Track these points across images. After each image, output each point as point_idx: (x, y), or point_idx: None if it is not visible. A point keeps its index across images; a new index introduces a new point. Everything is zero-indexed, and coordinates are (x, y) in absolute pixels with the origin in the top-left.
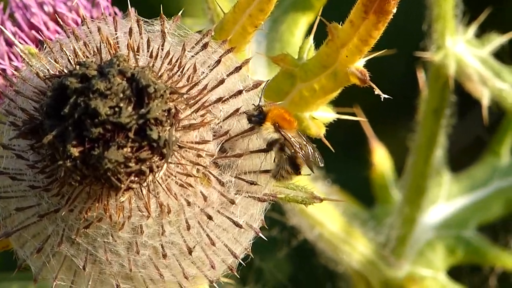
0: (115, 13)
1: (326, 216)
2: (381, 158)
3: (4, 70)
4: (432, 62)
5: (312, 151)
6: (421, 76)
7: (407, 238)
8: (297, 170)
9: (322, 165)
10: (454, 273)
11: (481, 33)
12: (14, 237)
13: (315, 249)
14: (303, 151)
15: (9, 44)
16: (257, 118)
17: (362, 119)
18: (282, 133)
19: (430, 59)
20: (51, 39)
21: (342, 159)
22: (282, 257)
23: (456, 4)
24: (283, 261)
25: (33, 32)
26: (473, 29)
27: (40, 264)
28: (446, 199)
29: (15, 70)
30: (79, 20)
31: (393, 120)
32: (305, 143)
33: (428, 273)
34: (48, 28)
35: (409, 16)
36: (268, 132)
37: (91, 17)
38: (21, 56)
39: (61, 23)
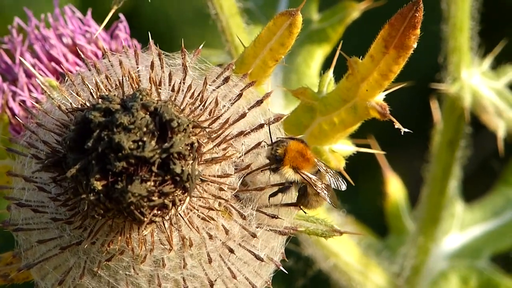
0: (135, 46)
1: (341, 247)
2: (395, 188)
3: (24, 101)
4: (447, 94)
5: (333, 177)
6: (435, 107)
7: (421, 268)
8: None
9: (345, 188)
10: None
11: (496, 65)
12: (35, 269)
13: (329, 279)
14: (324, 189)
15: (28, 75)
16: (275, 161)
17: (379, 152)
18: (303, 176)
19: (445, 91)
20: (70, 71)
21: (356, 189)
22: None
23: (472, 36)
24: None
25: (53, 63)
26: (488, 61)
27: None
28: (460, 229)
29: (37, 102)
30: (99, 52)
31: (407, 149)
32: (325, 173)
33: None
34: (67, 60)
35: (422, 47)
36: (288, 174)
37: (110, 49)
38: (40, 87)
39: (81, 55)
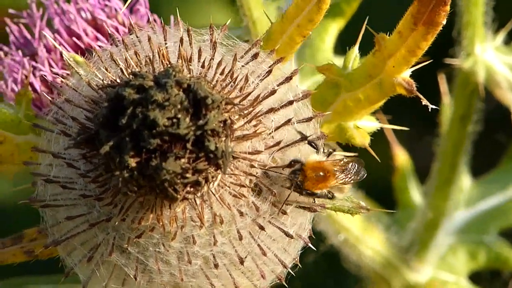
0: (155, 20)
1: (351, 222)
2: (403, 162)
3: (45, 77)
4: (460, 69)
5: (354, 168)
6: (442, 82)
7: (429, 242)
8: None
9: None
10: (474, 278)
11: (510, 40)
12: (62, 245)
13: (340, 254)
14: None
15: (48, 50)
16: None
17: (402, 127)
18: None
19: (459, 66)
20: (91, 46)
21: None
22: (309, 262)
23: (486, 11)
24: (311, 267)
25: (73, 38)
26: (502, 36)
27: (88, 273)
28: (467, 204)
29: (63, 78)
30: (119, 27)
31: (418, 124)
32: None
33: (450, 278)
34: (87, 35)
35: None
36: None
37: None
38: (61, 62)
39: (106, 30)
